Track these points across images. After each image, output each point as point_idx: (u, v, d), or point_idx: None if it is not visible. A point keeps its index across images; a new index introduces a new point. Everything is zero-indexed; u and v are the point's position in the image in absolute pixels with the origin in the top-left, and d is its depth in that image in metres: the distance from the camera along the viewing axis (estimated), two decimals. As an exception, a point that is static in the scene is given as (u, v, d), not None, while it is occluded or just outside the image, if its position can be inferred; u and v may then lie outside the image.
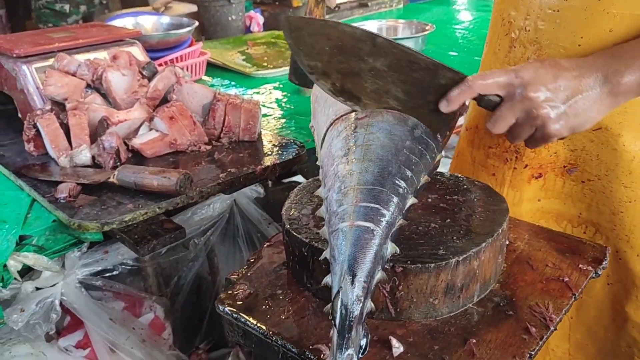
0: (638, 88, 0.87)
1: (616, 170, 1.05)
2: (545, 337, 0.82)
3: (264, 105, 1.74)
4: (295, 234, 0.90)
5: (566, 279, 0.93)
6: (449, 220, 0.93)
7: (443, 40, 2.47)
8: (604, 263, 0.97)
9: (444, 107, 0.88)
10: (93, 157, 1.25)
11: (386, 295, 0.84)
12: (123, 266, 1.32)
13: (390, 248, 0.76)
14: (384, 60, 0.85)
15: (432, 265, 0.82)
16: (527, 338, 0.81)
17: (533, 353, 0.79)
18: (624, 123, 1.02)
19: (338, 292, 0.70)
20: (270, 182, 2.05)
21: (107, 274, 1.30)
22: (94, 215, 1.03)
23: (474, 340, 0.80)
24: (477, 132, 1.21)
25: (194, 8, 2.83)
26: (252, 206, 1.58)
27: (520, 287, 0.91)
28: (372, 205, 0.77)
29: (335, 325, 0.68)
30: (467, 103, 0.92)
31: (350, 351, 0.67)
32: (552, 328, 0.83)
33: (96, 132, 1.29)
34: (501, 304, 0.88)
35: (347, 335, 0.67)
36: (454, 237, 0.88)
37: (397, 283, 0.82)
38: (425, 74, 0.86)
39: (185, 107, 1.35)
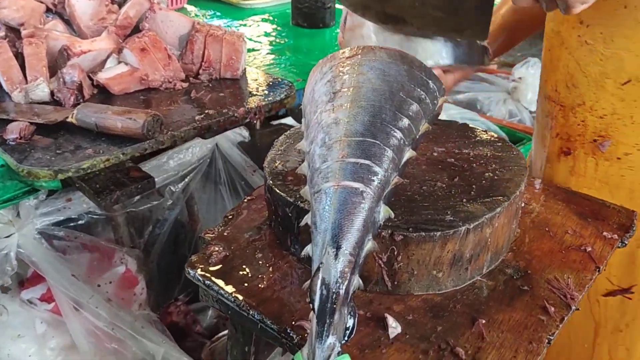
0: None
1: None
2: (565, 318, 0.70)
3: (250, 39, 1.58)
4: (278, 191, 0.77)
5: (589, 248, 0.81)
6: (457, 178, 0.80)
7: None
8: (631, 231, 0.85)
9: None
10: (52, 93, 1.09)
11: (382, 266, 0.71)
12: (89, 215, 1.19)
13: (383, 212, 0.63)
14: None
15: (438, 233, 0.69)
16: (545, 319, 0.70)
17: (552, 338, 0.68)
18: None
19: (318, 268, 0.57)
20: (258, 124, 1.90)
21: (72, 224, 1.17)
22: (47, 160, 0.89)
23: (484, 321, 0.69)
24: None
25: None
26: (235, 151, 1.44)
27: (536, 257, 0.79)
28: (362, 161, 0.64)
29: (313, 309, 0.56)
30: None
31: (331, 340, 0.55)
32: (573, 307, 0.72)
33: (56, 64, 1.13)
34: (514, 277, 0.76)
35: (328, 321, 0.55)
36: (464, 200, 0.75)
37: (395, 253, 0.70)
38: None
39: (159, 38, 1.18)
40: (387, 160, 0.65)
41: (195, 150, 1.37)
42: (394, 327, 0.68)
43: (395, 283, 0.73)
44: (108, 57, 1.17)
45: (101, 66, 1.17)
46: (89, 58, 1.14)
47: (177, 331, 1.54)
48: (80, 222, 1.18)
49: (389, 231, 0.68)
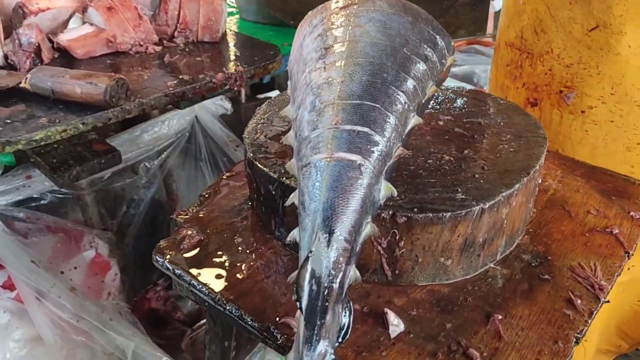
0: None
1: (624, 84, 0.82)
2: (595, 312, 0.61)
3: (231, 5, 1.45)
4: (260, 165, 0.66)
5: (615, 230, 0.71)
6: (468, 151, 0.70)
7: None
8: (661, 210, 0.75)
9: None
10: (6, 57, 0.97)
11: (382, 252, 0.61)
12: (54, 194, 1.07)
13: (384, 190, 0.52)
14: None
15: (448, 214, 0.58)
16: (572, 314, 0.60)
17: (580, 335, 0.58)
18: (625, 16, 0.77)
19: (307, 258, 0.46)
20: (243, 96, 1.78)
21: (33, 204, 1.05)
22: (-7, 131, 0.77)
23: (500, 317, 0.59)
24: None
25: None
26: (216, 124, 1.32)
27: (556, 241, 0.69)
28: (359, 128, 0.53)
29: (301, 308, 0.45)
30: None
31: (322, 346, 0.44)
32: (602, 300, 0.62)
33: (11, 25, 1.00)
34: (533, 264, 0.66)
35: (318, 323, 0.44)
36: (476, 175, 0.65)
37: (397, 238, 0.60)
38: None
39: (129, -5, 1.06)
40: (389, 127, 0.54)
41: (173, 123, 1.24)
42: (396, 325, 0.58)
43: (397, 272, 0.62)
44: (71, 16, 1.04)
45: (63, 27, 1.04)
46: (48, 17, 1.01)
47: (156, 318, 1.44)
48: (43, 201, 1.06)
49: (390, 212, 0.58)
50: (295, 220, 0.63)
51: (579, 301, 0.61)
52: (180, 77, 0.94)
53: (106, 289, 1.04)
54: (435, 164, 0.67)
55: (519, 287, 0.63)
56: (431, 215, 0.58)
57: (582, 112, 0.87)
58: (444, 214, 0.59)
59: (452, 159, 0.68)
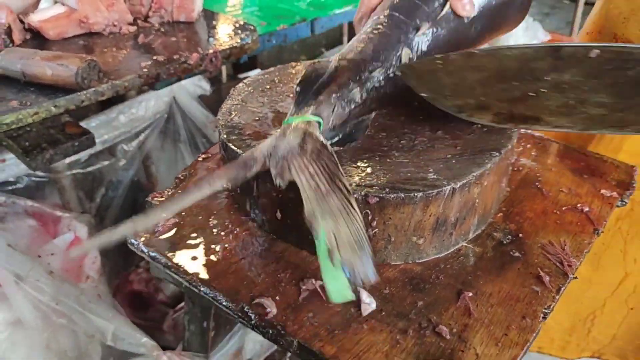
0: None
1: None
2: (562, 288, 0.62)
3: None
4: (234, 147, 0.66)
5: (586, 208, 0.72)
6: (440, 131, 0.70)
7: None
8: (631, 188, 0.77)
9: None
10: (-25, 38, 0.95)
11: None
12: (30, 178, 1.06)
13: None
14: (576, 71, 0.59)
15: (419, 194, 0.59)
16: (540, 290, 0.61)
17: (548, 311, 0.59)
18: None
19: None
20: (224, 76, 1.77)
21: (9, 188, 1.04)
22: (-38, 114, 0.76)
23: (470, 294, 0.60)
24: None
25: None
26: (195, 105, 1.31)
27: (528, 220, 0.70)
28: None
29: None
30: None
31: None
32: (571, 276, 0.63)
33: (-20, 5, 0.98)
34: (504, 242, 0.67)
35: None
36: (448, 155, 0.65)
37: (370, 218, 0.60)
38: None
39: (102, -26, 1.04)
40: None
41: (150, 104, 1.23)
42: (368, 303, 0.59)
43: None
44: (42, -4, 1.02)
45: (34, 7, 1.02)
46: (18, -3, 0.99)
47: (138, 301, 1.44)
48: (19, 185, 1.05)
49: (362, 193, 0.58)
50: (269, 202, 0.63)
51: (548, 278, 0.62)
52: (155, 58, 0.93)
53: (85, 272, 1.04)
54: (409, 145, 0.67)
55: (490, 264, 0.64)
56: (403, 195, 0.59)
57: None
58: (416, 194, 0.59)
59: (424, 139, 0.68)
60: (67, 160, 1.07)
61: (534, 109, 0.66)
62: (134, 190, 1.36)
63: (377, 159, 0.64)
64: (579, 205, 0.73)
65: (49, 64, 0.80)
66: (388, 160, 0.64)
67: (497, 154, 0.65)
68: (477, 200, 0.64)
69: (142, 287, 1.46)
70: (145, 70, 0.89)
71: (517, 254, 0.65)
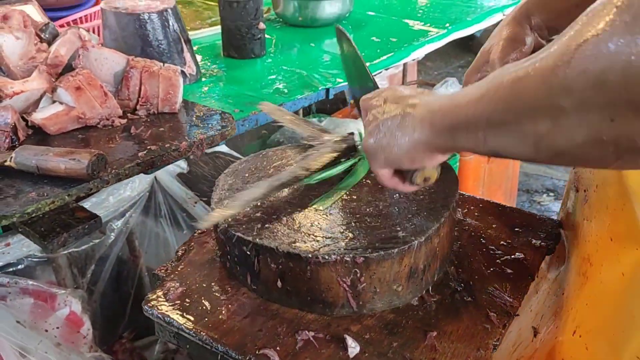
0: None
1: None
2: (507, 324, 0.77)
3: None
4: (241, 234, 0.78)
5: (521, 256, 0.88)
6: (397, 195, 0.86)
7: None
8: (558, 238, 0.94)
9: None
10: (-15, 137, 1.06)
11: (347, 289, 0.75)
12: (30, 259, 1.16)
13: None
14: None
15: (395, 250, 0.74)
16: (489, 327, 0.76)
17: (497, 343, 0.74)
18: None
19: None
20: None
21: (11, 269, 1.13)
22: (-12, 207, 0.87)
23: (435, 334, 0.74)
24: None
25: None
26: (175, 183, 1.44)
27: (476, 270, 0.86)
28: None
29: None
30: None
31: None
32: (513, 314, 0.78)
33: (-14, 106, 1.10)
34: (458, 289, 0.82)
35: None
36: (409, 215, 0.81)
37: (358, 275, 0.74)
38: None
39: (94, 75, 1.18)
40: None
41: (135, 185, 1.35)
42: (353, 347, 0.72)
43: (360, 303, 0.76)
44: (41, 96, 1.15)
45: (34, 106, 1.15)
46: (21, 99, 1.12)
47: (123, 370, 1.51)
48: (20, 266, 1.14)
49: (351, 255, 0.72)
50: (269, 275, 0.76)
51: (495, 316, 0.77)
52: (148, 147, 1.06)
53: (86, 343, 1.12)
54: (375, 211, 0.82)
55: (448, 308, 0.79)
56: (382, 253, 0.73)
57: None
58: (392, 250, 0.74)
59: (387, 204, 0.83)
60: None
61: None
62: (119, 264, 1.46)
63: (353, 225, 0.79)
64: (516, 254, 0.89)
65: (62, 159, 0.92)
66: (363, 225, 0.79)
67: (447, 209, 0.81)
68: (437, 249, 0.80)
69: (127, 356, 1.53)
70: (141, 159, 1.02)
71: (469, 298, 0.80)
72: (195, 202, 1.44)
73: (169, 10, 1.40)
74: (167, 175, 1.43)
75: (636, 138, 0.43)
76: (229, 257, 0.83)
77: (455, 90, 2.72)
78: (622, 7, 0.41)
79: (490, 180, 2.24)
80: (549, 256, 0.92)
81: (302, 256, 0.72)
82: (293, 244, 0.74)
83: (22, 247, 1.10)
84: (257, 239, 0.76)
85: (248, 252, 0.77)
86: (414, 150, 0.66)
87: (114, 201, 1.29)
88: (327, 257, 0.72)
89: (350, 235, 0.76)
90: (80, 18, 1.69)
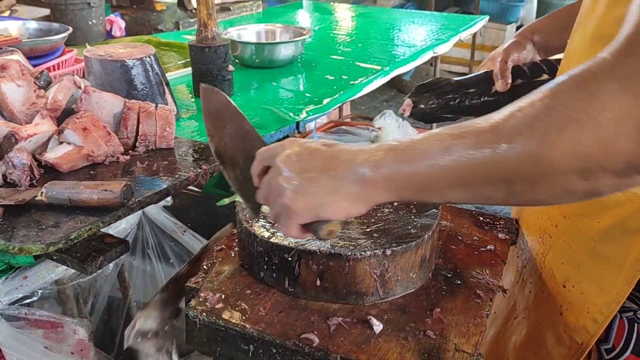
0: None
1: None
2: (492, 298, 0.96)
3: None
4: (277, 241, 0.92)
5: (492, 247, 1.08)
6: (396, 203, 1.03)
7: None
8: (518, 232, 1.15)
9: None
10: (4, 177, 1.15)
11: (376, 279, 0.91)
12: (42, 290, 1.23)
13: None
14: None
15: (413, 243, 0.91)
16: (480, 301, 0.94)
17: (488, 313, 0.92)
18: None
19: None
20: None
21: (27, 301, 1.20)
22: (35, 236, 0.96)
23: (439, 309, 0.91)
24: None
25: (44, 12, 2.64)
26: (162, 215, 1.55)
27: (459, 260, 1.05)
28: None
29: None
30: None
31: None
32: (496, 290, 0.97)
33: (0, 149, 1.19)
34: (449, 276, 1.00)
35: None
36: (412, 216, 0.99)
37: (386, 266, 0.90)
38: None
39: (96, 117, 1.29)
40: None
41: (128, 218, 1.45)
42: (377, 326, 0.88)
43: (385, 290, 0.93)
44: (50, 138, 1.25)
45: (43, 147, 1.24)
46: (33, 141, 1.21)
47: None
48: (34, 298, 1.21)
49: (382, 250, 0.89)
50: (308, 276, 0.90)
51: (482, 293, 0.96)
52: (162, 178, 1.19)
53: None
54: (383, 216, 0.99)
55: (445, 291, 0.96)
56: (405, 245, 0.91)
57: None
58: (411, 243, 0.91)
59: (391, 210, 1.01)
60: (72, 271, 1.25)
61: None
62: (110, 296, 1.53)
63: (372, 229, 0.95)
64: (488, 246, 1.09)
65: (94, 190, 1.03)
66: (380, 228, 0.95)
67: (437, 210, 1.00)
68: (435, 242, 0.98)
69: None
70: (159, 189, 1.14)
71: (459, 282, 0.99)
72: (184, 231, 1.55)
73: (152, 57, 1.54)
74: (155, 208, 1.53)
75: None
76: (264, 265, 0.96)
77: (391, 122, 2.91)
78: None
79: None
80: (512, 246, 1.13)
81: (342, 255, 0.88)
82: (334, 247, 0.89)
83: (36, 279, 1.17)
84: (300, 246, 0.90)
85: (289, 258, 0.91)
86: (349, 200, 0.69)
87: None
88: (362, 253, 0.88)
89: (375, 235, 0.93)
90: (54, 66, 1.78)
